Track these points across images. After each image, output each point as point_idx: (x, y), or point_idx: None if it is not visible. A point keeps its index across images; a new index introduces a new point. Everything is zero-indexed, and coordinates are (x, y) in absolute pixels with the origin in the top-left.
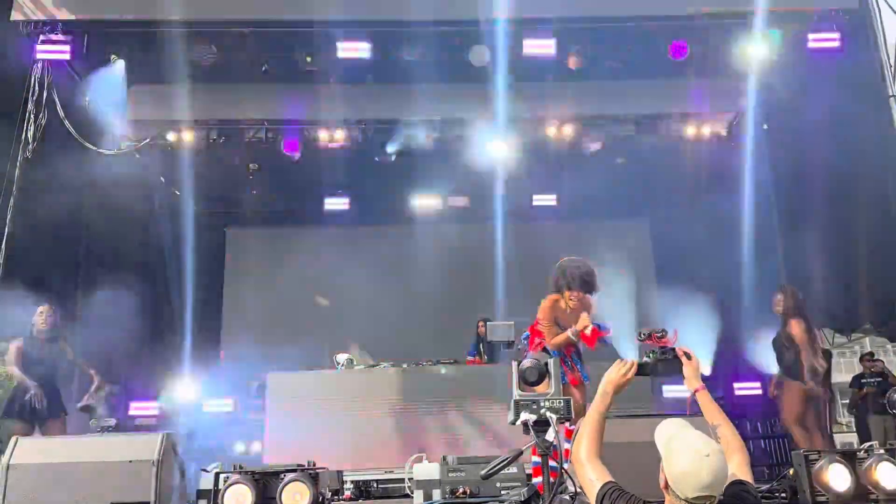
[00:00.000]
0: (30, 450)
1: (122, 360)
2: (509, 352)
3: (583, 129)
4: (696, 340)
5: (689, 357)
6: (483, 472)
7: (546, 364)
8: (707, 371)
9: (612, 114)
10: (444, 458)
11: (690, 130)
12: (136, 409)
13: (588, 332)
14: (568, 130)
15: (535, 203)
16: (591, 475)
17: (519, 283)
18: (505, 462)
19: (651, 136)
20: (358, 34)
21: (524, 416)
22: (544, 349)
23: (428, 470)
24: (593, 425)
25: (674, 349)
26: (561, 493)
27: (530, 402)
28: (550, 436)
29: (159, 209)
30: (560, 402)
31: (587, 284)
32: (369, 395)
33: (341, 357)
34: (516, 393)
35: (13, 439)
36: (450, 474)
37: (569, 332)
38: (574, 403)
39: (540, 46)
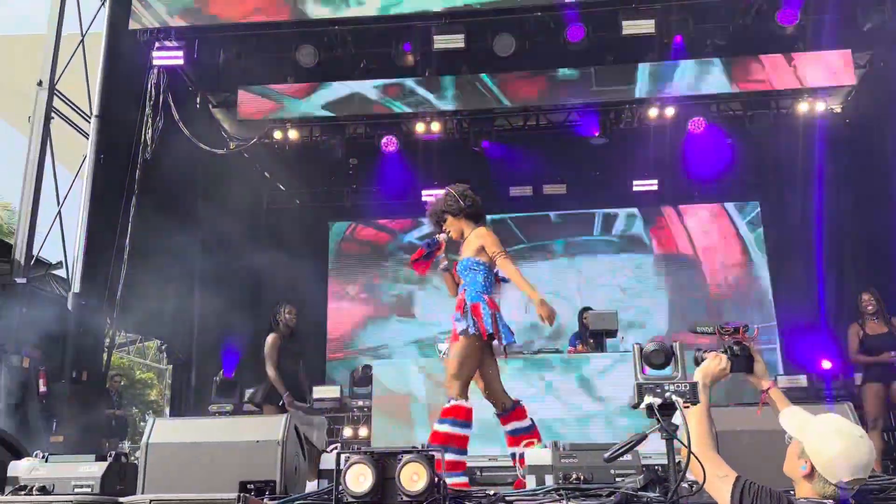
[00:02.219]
0: (166, 430)
1: (236, 348)
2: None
3: (687, 110)
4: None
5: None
6: (606, 456)
7: (672, 346)
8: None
9: (718, 92)
10: (556, 444)
11: (803, 107)
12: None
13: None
14: (671, 111)
15: (634, 188)
16: (717, 471)
17: (612, 274)
18: (629, 445)
19: (760, 114)
20: (453, 25)
21: (648, 399)
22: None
23: (540, 455)
24: (702, 420)
25: (748, 346)
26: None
27: (654, 386)
28: (677, 420)
29: (267, 205)
30: (686, 386)
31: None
32: (473, 384)
33: (443, 346)
34: (640, 376)
35: (150, 419)
36: (562, 460)
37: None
38: None
39: (639, 26)
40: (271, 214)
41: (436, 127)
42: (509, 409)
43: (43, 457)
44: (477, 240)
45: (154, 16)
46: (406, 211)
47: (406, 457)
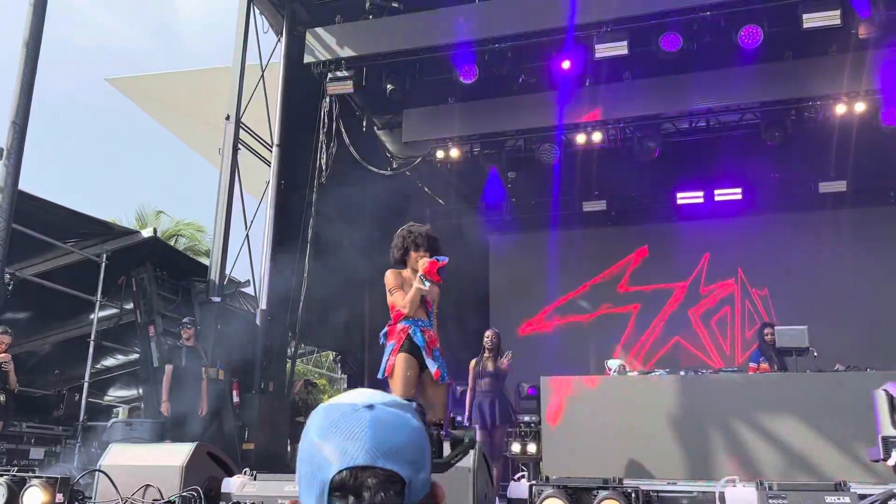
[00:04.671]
0: None
1: None
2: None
3: (877, 103)
4: None
5: None
6: None
7: None
8: None
9: None
10: (761, 483)
11: None
12: None
13: (426, 264)
14: (860, 107)
15: (821, 191)
16: None
17: (796, 284)
18: (880, 502)
19: None
20: (616, 32)
21: None
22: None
23: (744, 495)
24: None
25: None
26: None
27: None
28: None
29: (430, 220)
30: None
31: (432, 241)
32: (646, 403)
33: (613, 363)
34: (889, 429)
35: None
36: (770, 500)
37: (416, 283)
38: (438, 404)
39: (822, 18)
40: (434, 230)
41: (597, 137)
42: None
43: (251, 474)
44: None
45: (326, 48)
46: (565, 223)
47: (602, 493)
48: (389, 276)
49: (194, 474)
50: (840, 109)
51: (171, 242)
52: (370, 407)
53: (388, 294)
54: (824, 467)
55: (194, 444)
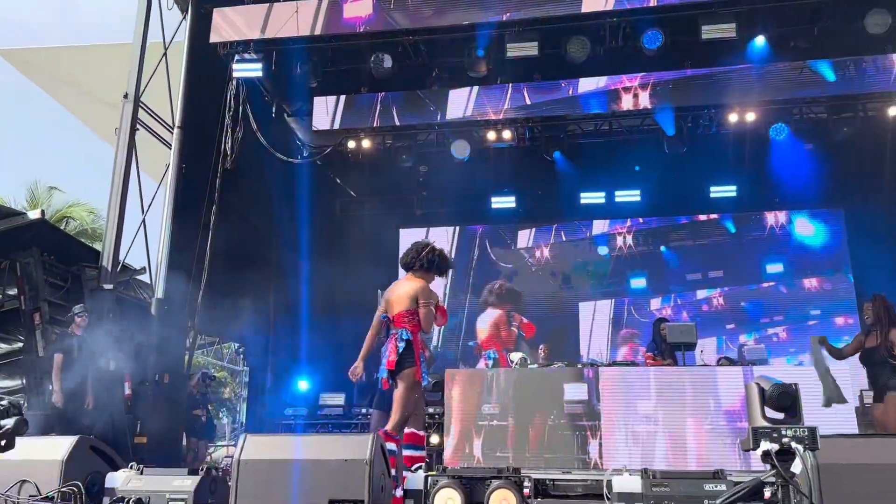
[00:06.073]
0: (257, 446)
1: (311, 353)
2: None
3: (768, 115)
4: None
5: None
6: (719, 502)
7: (796, 388)
8: None
9: (800, 97)
10: (646, 471)
11: (893, 111)
12: (326, 399)
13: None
14: (751, 117)
15: (712, 195)
16: None
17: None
18: (742, 492)
19: (844, 118)
20: (526, 33)
21: (766, 445)
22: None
23: (629, 482)
24: None
25: None
26: None
27: (770, 431)
28: (797, 467)
29: (339, 211)
30: (805, 431)
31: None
32: (543, 396)
33: (515, 356)
34: (758, 420)
35: (242, 437)
36: (653, 489)
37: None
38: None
39: (719, 31)
40: (343, 221)
41: (507, 135)
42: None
43: (138, 469)
44: None
45: (233, 29)
46: (476, 218)
47: (495, 482)
48: (430, 291)
49: (75, 469)
50: (732, 118)
51: (62, 225)
52: None
53: (421, 303)
54: (708, 456)
55: (76, 437)
